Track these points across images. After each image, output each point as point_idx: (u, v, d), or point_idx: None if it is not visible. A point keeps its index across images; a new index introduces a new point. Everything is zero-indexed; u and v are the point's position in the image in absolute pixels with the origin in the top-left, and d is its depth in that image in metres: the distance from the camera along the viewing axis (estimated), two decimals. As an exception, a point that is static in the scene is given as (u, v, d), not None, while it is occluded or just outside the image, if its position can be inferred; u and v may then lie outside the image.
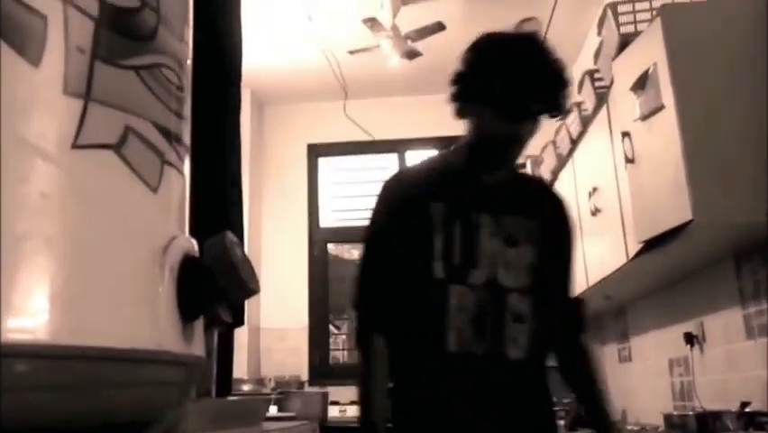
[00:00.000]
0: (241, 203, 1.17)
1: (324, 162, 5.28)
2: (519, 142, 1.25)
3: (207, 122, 0.89)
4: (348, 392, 4.00)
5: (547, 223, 1.33)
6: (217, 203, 1.01)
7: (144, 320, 0.49)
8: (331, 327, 5.24)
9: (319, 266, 5.11)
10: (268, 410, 2.64)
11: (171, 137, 0.56)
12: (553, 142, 3.30)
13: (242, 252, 0.54)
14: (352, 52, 4.23)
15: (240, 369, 4.07)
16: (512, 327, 1.23)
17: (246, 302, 1.22)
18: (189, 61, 0.61)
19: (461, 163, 1.33)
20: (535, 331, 1.25)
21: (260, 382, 4.09)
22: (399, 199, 1.31)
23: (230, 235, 0.54)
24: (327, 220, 5.30)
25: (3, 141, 0.43)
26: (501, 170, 1.32)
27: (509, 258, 1.26)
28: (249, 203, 4.34)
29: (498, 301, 1.23)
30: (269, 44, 4.40)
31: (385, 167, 5.31)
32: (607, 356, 3.24)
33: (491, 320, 1.22)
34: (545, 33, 3.25)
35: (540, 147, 3.47)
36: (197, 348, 0.56)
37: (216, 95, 1.24)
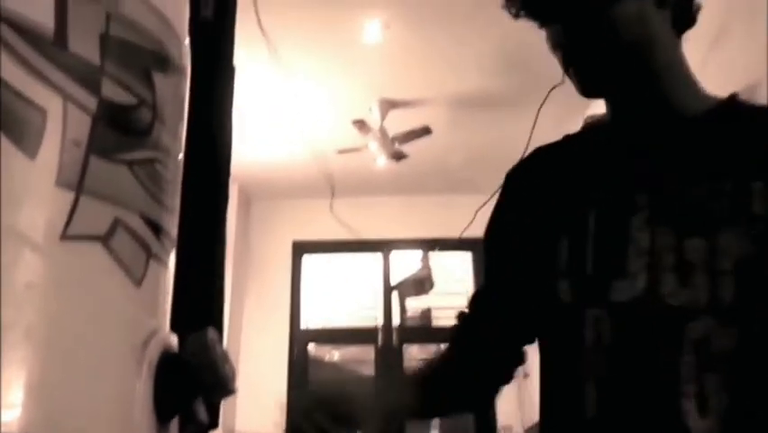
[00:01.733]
0: (222, 299, 1.16)
1: (308, 260, 5.29)
2: None
3: (194, 215, 0.90)
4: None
5: None
6: (199, 298, 1.00)
7: (119, 418, 0.48)
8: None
9: (299, 368, 5.01)
10: None
11: (159, 230, 0.57)
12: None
13: (223, 349, 0.54)
14: (340, 152, 4.33)
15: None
16: (696, 379, 0.72)
17: (222, 403, 1.19)
18: (181, 155, 0.63)
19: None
20: (747, 387, 0.72)
21: None
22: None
23: (211, 332, 0.54)
24: (310, 320, 5.24)
25: (-7, 229, 0.44)
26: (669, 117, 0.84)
27: (689, 255, 0.75)
28: (230, 299, 4.30)
29: (668, 333, 0.74)
30: (259, 140, 4.50)
31: (369, 267, 5.32)
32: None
33: (656, 366, 0.74)
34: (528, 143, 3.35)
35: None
36: (171, 447, 0.54)
37: (205, 188, 1.26)
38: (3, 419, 0.42)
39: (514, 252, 0.92)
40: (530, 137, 3.42)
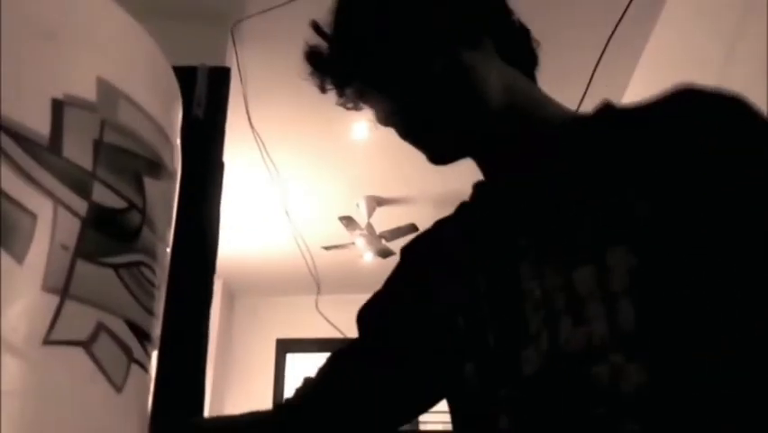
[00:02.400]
0: (202, 399, 1.14)
1: (292, 359, 5.21)
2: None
3: (178, 313, 0.89)
4: None
5: (677, 171, 0.64)
6: (179, 399, 0.98)
7: None
8: None
9: None
10: None
11: (141, 334, 0.57)
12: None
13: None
14: (327, 248, 4.35)
15: None
16: (606, 430, 0.60)
17: None
18: (168, 258, 0.63)
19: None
20: (668, 429, 0.58)
21: None
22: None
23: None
24: (291, 419, 5.10)
25: (-27, 335, 0.43)
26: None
27: (579, 288, 0.64)
28: (211, 397, 4.19)
29: (573, 389, 0.63)
30: (245, 234, 4.53)
31: (354, 364, 5.23)
32: None
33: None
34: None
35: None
36: None
37: (190, 286, 1.26)
38: None
39: (402, 319, 0.87)
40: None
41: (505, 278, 0.72)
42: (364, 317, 0.97)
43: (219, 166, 1.71)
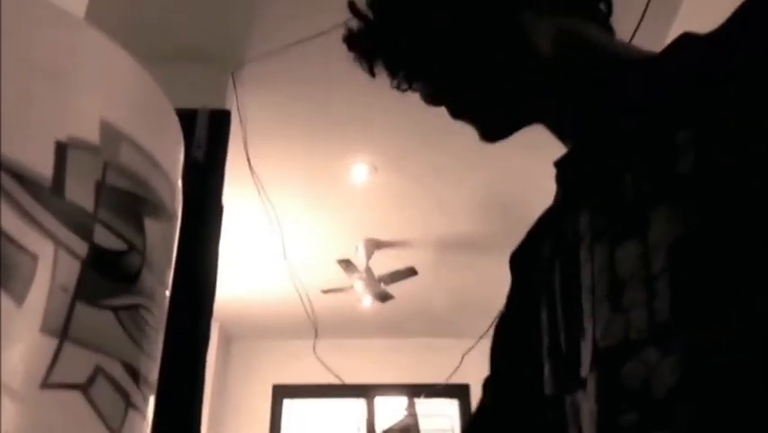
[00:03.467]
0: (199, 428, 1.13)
1: (289, 404, 5.14)
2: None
3: (173, 355, 0.89)
4: None
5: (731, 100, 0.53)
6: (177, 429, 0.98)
7: None
8: None
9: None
10: None
11: (139, 378, 0.56)
12: None
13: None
14: (325, 292, 4.33)
15: None
16: None
17: None
18: (166, 301, 0.63)
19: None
20: None
21: None
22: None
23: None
24: (288, 468, 5.01)
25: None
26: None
27: (621, 269, 0.57)
28: (205, 445, 4.11)
29: (602, 393, 0.57)
30: (243, 277, 4.51)
31: (353, 412, 5.16)
32: None
33: None
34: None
35: None
36: None
37: (186, 328, 1.25)
38: None
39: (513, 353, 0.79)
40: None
41: (570, 266, 0.65)
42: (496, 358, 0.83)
43: (218, 209, 1.71)
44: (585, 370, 0.60)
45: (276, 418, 5.02)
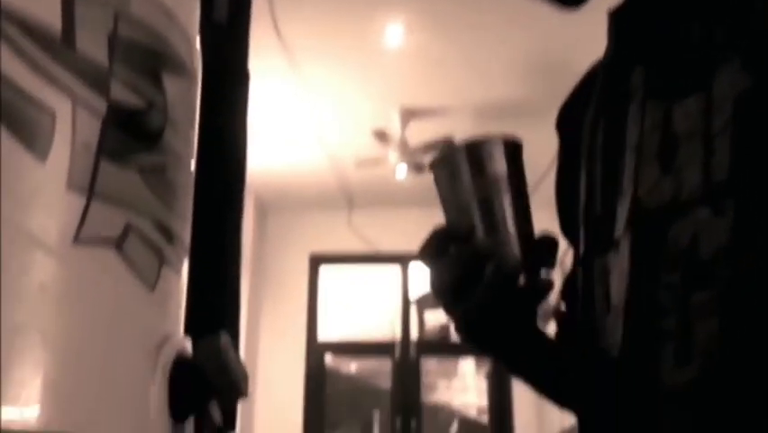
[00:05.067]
0: (238, 304, 1.17)
1: (325, 272, 5.31)
2: None
3: (208, 221, 0.91)
4: None
5: None
6: (213, 303, 1.02)
7: (135, 416, 0.49)
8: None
9: (316, 379, 5.04)
10: None
11: (171, 236, 0.58)
12: None
13: (236, 354, 0.55)
14: (359, 164, 4.35)
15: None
16: (678, 308, 0.53)
17: (240, 411, 1.20)
18: (193, 161, 0.64)
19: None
20: (743, 302, 0.50)
21: None
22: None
23: (224, 337, 0.55)
24: (326, 333, 5.26)
25: (5, 232, 0.45)
26: None
27: (677, 125, 0.56)
28: (247, 311, 4.32)
29: (645, 253, 0.57)
30: (277, 150, 4.54)
31: (388, 280, 5.32)
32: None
33: (632, 306, 0.58)
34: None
35: None
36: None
37: (218, 196, 1.28)
38: (21, 415, 0.43)
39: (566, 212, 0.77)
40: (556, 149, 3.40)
41: (615, 124, 0.63)
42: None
43: (244, 75, 1.69)
44: (619, 231, 0.60)
45: (313, 286, 5.22)
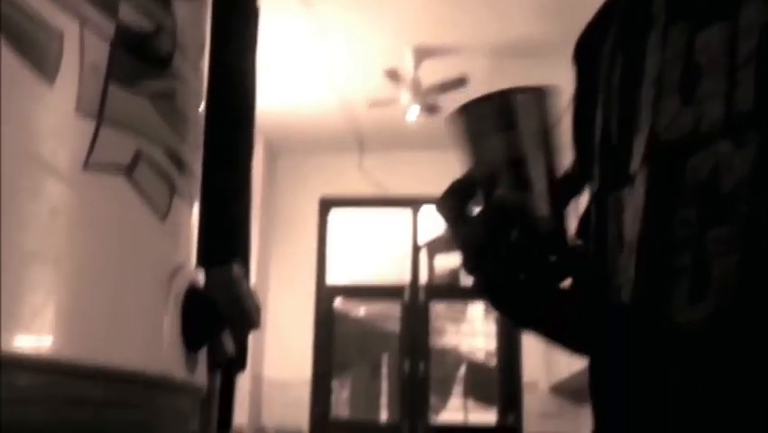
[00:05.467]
0: (248, 236, 1.18)
1: (335, 215, 5.33)
2: None
3: (218, 159, 0.90)
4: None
5: None
6: (225, 234, 1.02)
7: (149, 346, 0.50)
8: (333, 383, 5.23)
9: (325, 322, 5.11)
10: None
11: (182, 165, 0.58)
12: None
13: (248, 285, 0.55)
14: (371, 105, 4.31)
15: (240, 417, 4.08)
16: (693, 243, 0.52)
17: (249, 351, 1.22)
18: (204, 90, 0.63)
19: None
20: (761, 241, 0.48)
21: (260, 431, 4.11)
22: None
23: (236, 267, 0.55)
24: (336, 275, 5.30)
25: (14, 156, 0.44)
26: None
27: (700, 55, 0.54)
28: (257, 253, 4.35)
29: (660, 187, 0.55)
30: (287, 91, 4.50)
31: (398, 223, 5.34)
32: None
33: (644, 243, 0.56)
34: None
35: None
36: (200, 379, 0.56)
37: (228, 132, 1.27)
38: (34, 341, 0.43)
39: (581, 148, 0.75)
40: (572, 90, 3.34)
41: (634, 54, 0.61)
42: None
43: (254, 10, 1.66)
44: (636, 165, 0.58)
45: (323, 230, 5.24)
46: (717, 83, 0.52)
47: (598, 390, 0.66)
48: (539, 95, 0.60)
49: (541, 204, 0.58)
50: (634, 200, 0.58)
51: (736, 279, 0.49)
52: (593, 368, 0.67)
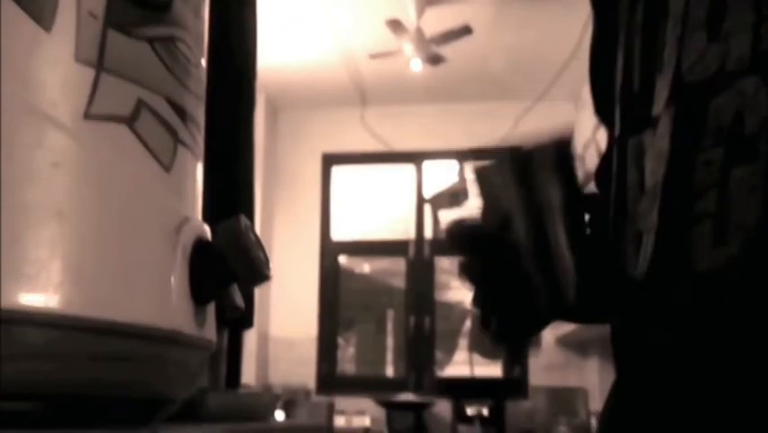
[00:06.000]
0: (252, 196, 1.17)
1: (338, 172, 5.31)
2: None
3: (220, 114, 0.89)
4: (354, 403, 4.08)
5: None
6: (230, 188, 1.01)
7: (157, 299, 0.49)
8: (339, 340, 5.29)
9: (330, 278, 5.14)
10: (276, 408, 2.66)
11: (185, 115, 0.56)
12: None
13: (256, 236, 0.54)
14: (372, 56, 4.25)
15: (247, 376, 4.14)
16: (716, 186, 0.51)
17: (255, 310, 1.22)
18: (206, 37, 0.61)
19: None
20: None
21: (267, 389, 4.19)
22: None
23: (244, 219, 0.54)
24: (340, 232, 5.31)
25: (13, 106, 0.43)
26: None
27: None
28: (260, 211, 4.36)
29: (683, 131, 0.54)
30: (286, 46, 4.44)
31: (402, 179, 5.33)
32: None
33: (666, 186, 0.55)
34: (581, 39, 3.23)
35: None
36: (209, 333, 0.56)
37: (229, 87, 1.25)
38: (40, 296, 0.43)
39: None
40: (580, 38, 3.29)
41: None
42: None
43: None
44: (659, 107, 0.57)
45: (326, 185, 5.23)
46: (743, 16, 0.50)
47: (619, 341, 0.66)
48: (558, 149, 0.58)
49: (563, 277, 0.57)
50: (656, 144, 0.57)
51: (761, 217, 0.48)
52: (614, 320, 0.67)
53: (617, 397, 0.66)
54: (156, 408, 0.51)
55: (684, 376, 0.55)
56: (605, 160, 0.70)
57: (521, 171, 0.58)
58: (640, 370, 0.61)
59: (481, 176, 0.60)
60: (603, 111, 0.72)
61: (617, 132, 0.65)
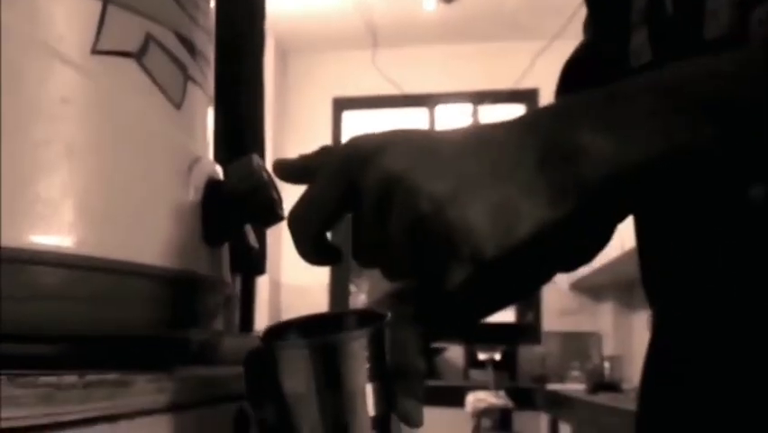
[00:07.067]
0: (263, 136, 1.16)
1: (348, 116, 5.27)
2: None
3: (229, 56, 0.88)
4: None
5: None
6: (241, 128, 1.01)
7: (170, 239, 0.49)
8: (351, 287, 5.34)
9: (340, 225, 5.17)
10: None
11: (195, 51, 0.55)
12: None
13: (269, 175, 0.53)
14: (383, -5, 4.17)
15: (260, 324, 4.20)
16: None
17: (267, 258, 1.22)
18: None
19: None
20: None
21: None
22: None
23: (256, 158, 0.53)
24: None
25: (19, 41, 0.43)
26: None
27: None
28: (271, 156, 4.35)
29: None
30: (295, -15, 4.35)
31: (415, 122, 5.29)
32: None
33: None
34: None
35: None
36: (224, 274, 0.56)
37: (238, 27, 1.23)
38: (55, 239, 0.43)
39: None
40: None
41: None
42: None
43: None
44: (716, 29, 0.51)
45: (337, 130, 5.20)
46: None
47: (651, 282, 0.65)
48: (372, 331, 0.43)
49: None
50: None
51: None
52: (645, 259, 0.65)
53: (657, 358, 0.63)
54: (171, 349, 0.52)
55: (729, 309, 0.53)
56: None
57: (322, 363, 0.41)
58: (689, 321, 0.58)
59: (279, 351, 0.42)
60: None
61: (640, 55, 0.59)
